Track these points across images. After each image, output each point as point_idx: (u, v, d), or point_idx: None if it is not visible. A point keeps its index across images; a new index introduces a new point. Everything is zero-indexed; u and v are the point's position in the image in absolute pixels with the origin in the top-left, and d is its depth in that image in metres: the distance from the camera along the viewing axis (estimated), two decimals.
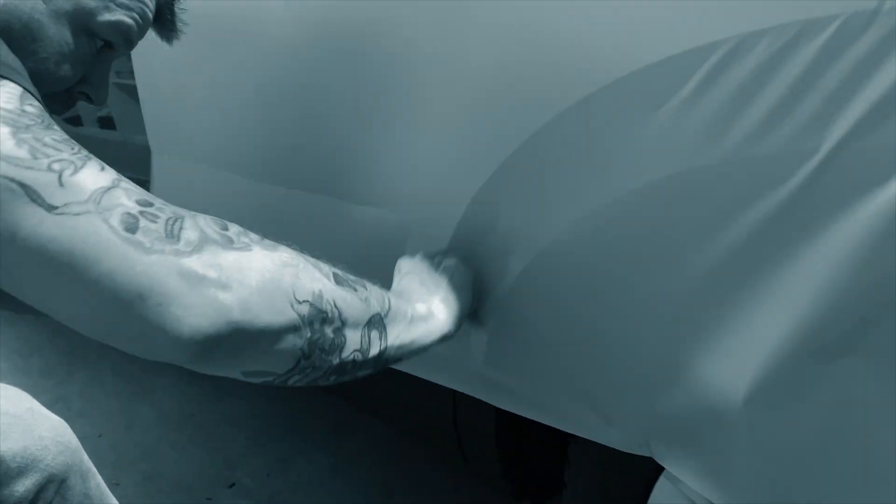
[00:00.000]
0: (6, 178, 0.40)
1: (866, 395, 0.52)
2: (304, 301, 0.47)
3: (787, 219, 0.53)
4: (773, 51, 0.52)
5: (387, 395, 1.01)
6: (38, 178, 0.41)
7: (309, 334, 0.47)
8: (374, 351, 0.53)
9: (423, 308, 0.62)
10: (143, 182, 1.45)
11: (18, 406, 0.67)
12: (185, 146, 1.09)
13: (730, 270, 0.57)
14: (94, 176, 0.44)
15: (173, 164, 1.16)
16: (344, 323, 0.50)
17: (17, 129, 0.43)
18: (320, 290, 0.48)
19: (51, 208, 0.41)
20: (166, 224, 0.43)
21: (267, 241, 0.48)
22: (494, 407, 0.78)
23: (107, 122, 1.46)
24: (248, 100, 0.95)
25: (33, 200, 0.41)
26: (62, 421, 0.69)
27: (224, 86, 0.98)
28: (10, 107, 0.44)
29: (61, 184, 0.42)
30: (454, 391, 0.82)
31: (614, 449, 0.68)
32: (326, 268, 0.51)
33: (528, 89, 0.65)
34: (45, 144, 0.43)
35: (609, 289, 0.64)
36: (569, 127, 0.63)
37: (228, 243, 0.45)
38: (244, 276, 0.44)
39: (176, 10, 0.72)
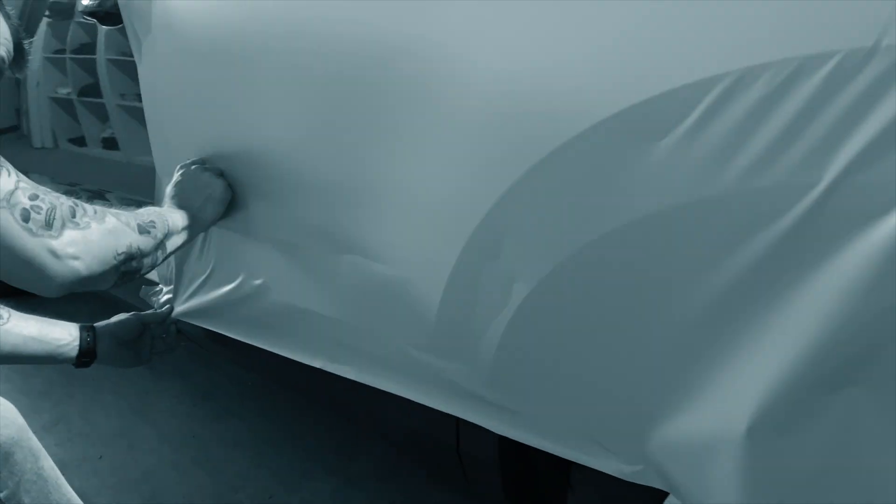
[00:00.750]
0: None
1: (869, 425, 0.52)
2: (121, 253, 0.79)
3: (789, 250, 0.54)
4: (774, 85, 0.52)
5: (390, 419, 1.01)
6: None
7: (123, 269, 0.80)
8: (159, 259, 0.88)
9: (181, 220, 0.94)
10: (143, 203, 1.46)
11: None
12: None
13: (732, 301, 0.57)
14: (5, 180, 0.69)
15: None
16: (143, 255, 0.83)
17: None
18: (129, 243, 0.80)
19: None
20: (46, 215, 0.71)
21: (98, 213, 0.78)
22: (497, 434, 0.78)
23: (110, 143, 1.47)
24: (250, 129, 0.96)
25: None
26: (6, 401, 0.74)
27: (228, 114, 1.00)
28: None
29: None
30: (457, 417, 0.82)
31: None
32: (133, 222, 0.83)
33: (528, 122, 0.66)
34: None
35: (611, 318, 0.64)
36: (570, 159, 0.63)
37: (76, 226, 0.74)
38: (88, 248, 0.74)
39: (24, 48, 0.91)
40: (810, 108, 0.51)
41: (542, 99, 0.65)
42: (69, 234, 0.72)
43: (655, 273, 0.61)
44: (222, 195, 0.98)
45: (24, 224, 0.68)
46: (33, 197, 0.70)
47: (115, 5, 1.12)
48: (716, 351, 0.59)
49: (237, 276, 1.06)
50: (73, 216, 0.74)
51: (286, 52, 0.88)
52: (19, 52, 0.88)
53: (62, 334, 1.01)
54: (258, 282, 1.03)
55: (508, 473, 0.85)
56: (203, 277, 1.13)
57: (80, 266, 0.72)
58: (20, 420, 0.68)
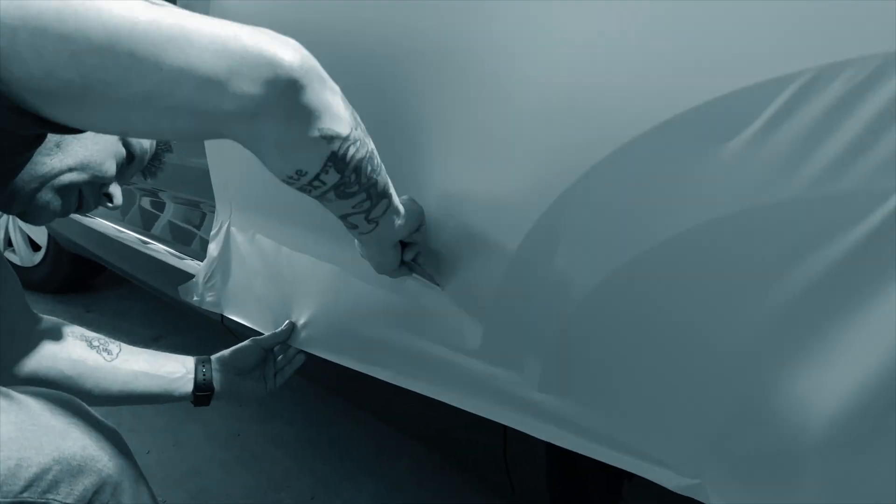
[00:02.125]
0: None
1: None
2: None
3: (864, 259, 0.51)
4: (853, 84, 0.50)
5: (433, 422, 1.00)
6: None
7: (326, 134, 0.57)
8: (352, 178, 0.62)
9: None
10: (197, 203, 1.49)
11: (76, 409, 0.72)
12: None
13: (805, 310, 0.54)
14: None
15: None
16: (350, 144, 0.59)
17: None
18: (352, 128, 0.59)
19: None
20: None
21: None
22: (545, 442, 0.76)
23: (164, 145, 1.52)
24: None
25: None
26: (115, 428, 0.71)
27: None
28: None
29: None
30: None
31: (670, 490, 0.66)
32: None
33: (589, 122, 0.65)
34: None
35: (672, 326, 0.62)
36: (632, 160, 0.62)
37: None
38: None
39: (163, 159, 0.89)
40: (891, 109, 0.49)
41: (604, 98, 0.64)
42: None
43: (721, 280, 0.58)
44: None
45: None
46: None
47: None
48: (786, 363, 0.56)
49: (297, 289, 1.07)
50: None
51: (336, 55, 0.88)
52: (156, 158, 0.87)
53: (175, 367, 0.94)
54: (316, 293, 1.04)
55: (557, 483, 0.83)
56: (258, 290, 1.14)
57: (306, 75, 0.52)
58: (127, 448, 0.66)
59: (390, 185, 0.68)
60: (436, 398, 0.86)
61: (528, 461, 0.83)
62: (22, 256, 2.44)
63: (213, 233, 1.26)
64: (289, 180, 0.59)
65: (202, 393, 0.95)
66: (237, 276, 1.19)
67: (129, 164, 0.81)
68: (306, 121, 0.54)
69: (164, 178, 1.57)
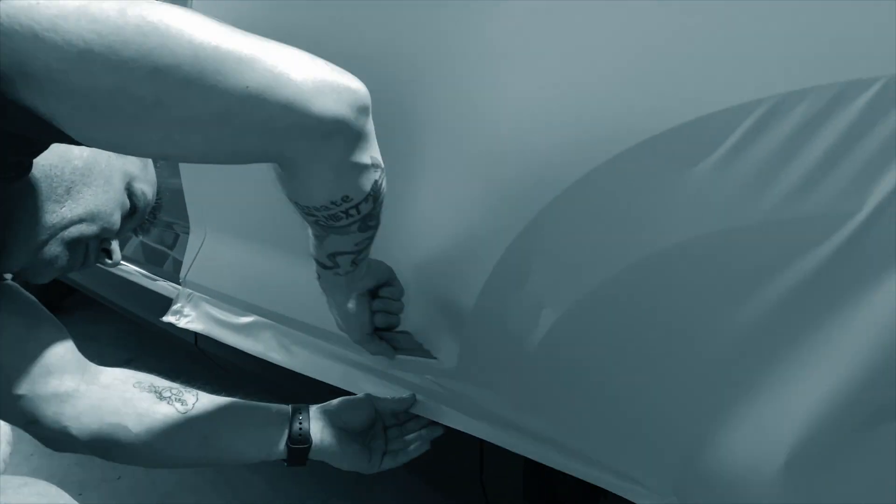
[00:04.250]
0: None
1: None
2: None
3: (828, 281, 0.52)
4: (814, 111, 0.52)
5: None
6: None
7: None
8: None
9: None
10: (173, 224, 1.48)
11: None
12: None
13: (770, 332, 0.56)
14: None
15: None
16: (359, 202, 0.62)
17: None
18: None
19: None
20: None
21: None
22: (522, 460, 0.76)
23: (159, 201, 1.51)
24: None
25: None
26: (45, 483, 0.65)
27: None
28: None
29: None
30: (481, 443, 0.80)
31: None
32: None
33: (559, 147, 0.66)
34: None
35: (643, 347, 0.63)
36: (601, 185, 0.63)
37: None
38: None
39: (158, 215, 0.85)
40: (850, 135, 0.51)
41: (574, 123, 0.65)
42: None
43: (689, 302, 0.60)
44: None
45: None
46: None
47: None
48: (753, 383, 0.57)
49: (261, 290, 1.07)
50: None
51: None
52: (152, 213, 0.84)
53: (266, 415, 0.81)
54: (282, 297, 1.04)
55: (534, 502, 0.84)
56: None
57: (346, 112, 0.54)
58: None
59: None
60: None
61: (505, 480, 0.83)
62: None
63: (187, 255, 1.25)
64: (328, 206, 0.60)
65: (297, 446, 0.79)
66: (213, 298, 1.18)
67: (131, 216, 0.78)
68: (366, 146, 0.58)
69: None
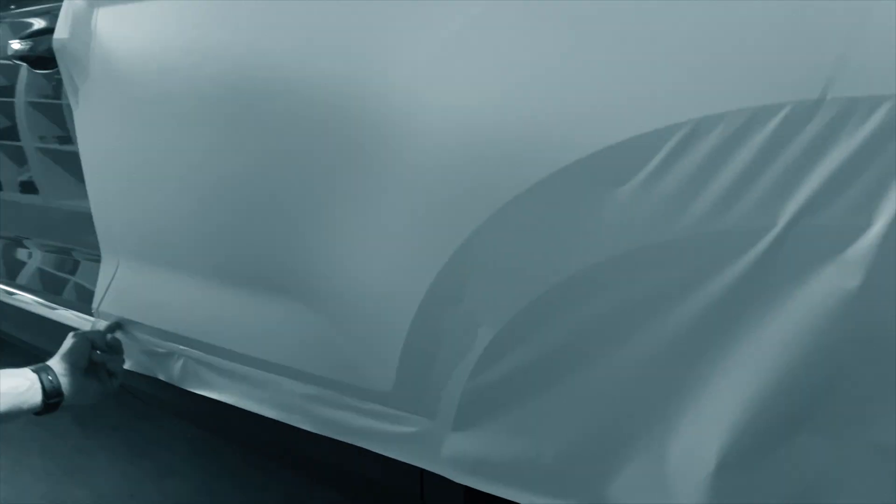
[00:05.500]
0: None
1: (826, 470, 0.55)
2: None
3: (748, 291, 0.56)
4: (729, 133, 0.55)
5: (350, 469, 0.99)
6: None
7: None
8: None
9: None
10: (69, 250, 1.40)
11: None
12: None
13: (695, 341, 0.59)
14: None
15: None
16: None
17: None
18: None
19: None
20: None
21: None
22: (463, 489, 0.77)
23: (28, 187, 1.42)
24: (191, 175, 0.94)
25: None
26: None
27: (167, 160, 0.97)
28: None
29: None
30: (421, 472, 0.80)
31: None
32: None
33: (490, 167, 0.67)
34: None
35: (574, 360, 0.65)
36: (532, 205, 0.64)
37: None
38: None
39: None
40: (763, 156, 0.54)
41: (505, 144, 0.66)
42: None
43: (618, 315, 0.62)
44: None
45: None
46: None
47: (49, 50, 1.08)
48: (680, 390, 0.60)
49: (181, 319, 1.03)
50: None
51: (229, 97, 0.87)
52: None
53: (17, 381, 0.92)
54: (203, 325, 1.00)
55: None
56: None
57: None
58: None
59: None
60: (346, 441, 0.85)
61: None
62: None
63: (99, 284, 1.18)
64: None
65: (52, 400, 0.94)
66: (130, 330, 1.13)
67: None
68: None
69: (28, 224, 1.48)
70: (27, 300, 1.49)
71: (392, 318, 0.77)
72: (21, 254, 1.57)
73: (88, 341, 1.02)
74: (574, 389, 0.66)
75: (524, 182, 0.65)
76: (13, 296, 1.54)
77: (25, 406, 0.92)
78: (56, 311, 1.39)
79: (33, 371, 0.94)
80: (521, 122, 0.65)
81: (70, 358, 0.99)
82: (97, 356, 1.03)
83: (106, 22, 1.01)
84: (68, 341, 1.01)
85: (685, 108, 0.56)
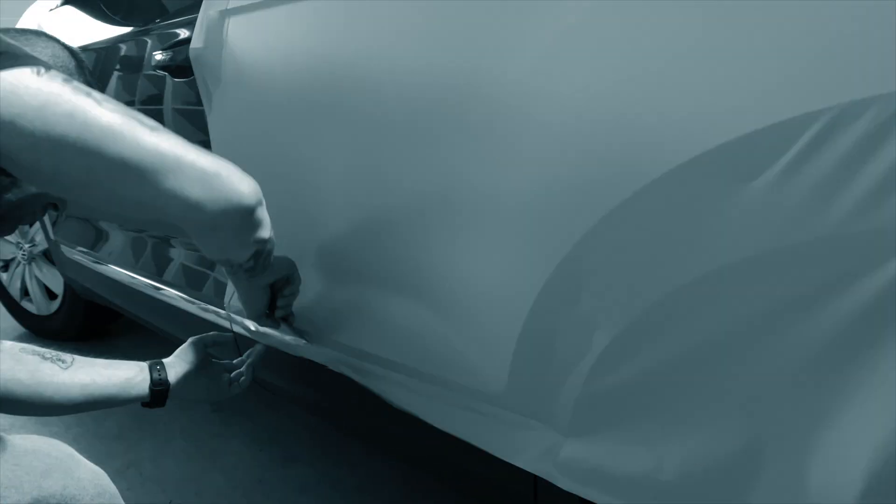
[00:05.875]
0: None
1: None
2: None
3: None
4: (880, 120, 0.48)
5: (460, 465, 0.98)
6: None
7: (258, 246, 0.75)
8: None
9: None
10: None
11: (59, 450, 0.80)
12: None
13: (834, 352, 0.53)
14: None
15: None
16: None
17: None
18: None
19: None
20: None
21: None
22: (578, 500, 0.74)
23: None
24: (321, 180, 0.97)
25: None
26: (100, 470, 0.73)
27: (298, 165, 1.01)
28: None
29: None
30: (535, 479, 0.78)
31: None
32: None
33: (612, 160, 0.64)
34: None
35: (703, 368, 0.61)
36: (657, 200, 0.61)
37: None
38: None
39: None
40: None
41: (628, 136, 0.63)
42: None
43: (750, 322, 0.57)
44: None
45: None
46: None
47: (187, 59, 1.15)
48: (821, 403, 0.54)
49: (304, 315, 1.06)
50: None
51: (358, 104, 0.88)
52: None
53: (130, 370, 0.99)
54: (326, 322, 1.03)
55: None
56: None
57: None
58: (112, 488, 0.67)
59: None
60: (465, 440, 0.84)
61: None
62: (38, 305, 2.45)
63: (230, 283, 1.25)
64: (213, 257, 0.74)
65: (157, 388, 1.00)
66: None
67: None
68: (249, 233, 0.70)
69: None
70: (171, 295, 1.60)
71: (504, 318, 0.75)
72: (167, 251, 1.69)
73: (203, 343, 1.09)
74: (700, 400, 0.62)
75: (646, 177, 0.61)
76: (160, 291, 1.66)
77: (133, 392, 0.98)
78: (194, 305, 1.49)
79: (148, 364, 1.02)
80: (643, 113, 0.61)
81: (181, 355, 1.06)
82: (215, 359, 1.10)
83: (237, 30, 1.06)
84: (186, 343, 1.09)
85: (828, 93, 0.51)
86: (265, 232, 0.73)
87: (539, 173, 0.70)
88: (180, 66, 1.19)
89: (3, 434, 0.66)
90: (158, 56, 1.25)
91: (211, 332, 1.12)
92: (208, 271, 1.50)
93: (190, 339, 1.09)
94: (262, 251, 0.75)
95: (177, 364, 1.04)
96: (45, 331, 2.50)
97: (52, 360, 0.93)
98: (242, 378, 1.12)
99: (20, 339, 2.54)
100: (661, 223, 0.62)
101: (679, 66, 0.59)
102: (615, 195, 0.64)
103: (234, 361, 1.14)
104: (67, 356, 0.96)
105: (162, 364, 1.03)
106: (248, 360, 1.13)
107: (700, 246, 0.59)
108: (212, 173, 0.63)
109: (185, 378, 1.03)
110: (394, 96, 0.84)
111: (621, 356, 0.67)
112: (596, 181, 0.65)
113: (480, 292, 0.78)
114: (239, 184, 0.66)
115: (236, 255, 0.73)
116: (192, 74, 1.16)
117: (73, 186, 0.58)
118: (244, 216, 0.67)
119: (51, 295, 2.43)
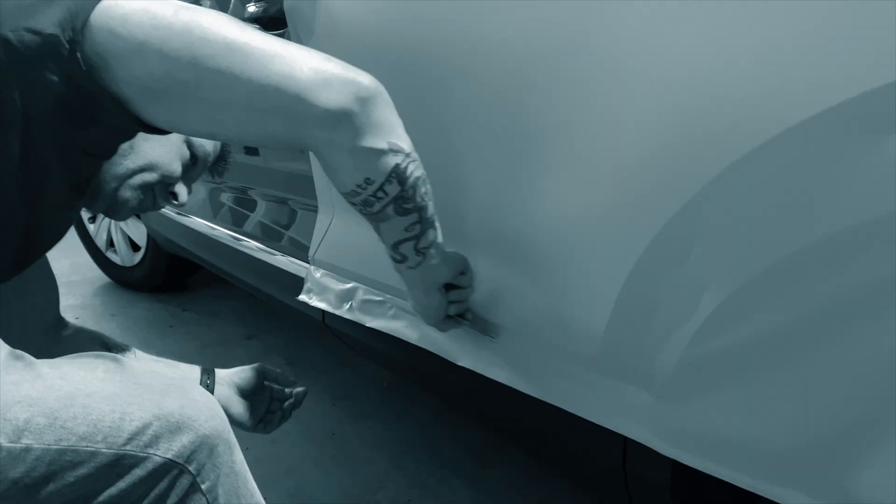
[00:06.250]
0: None
1: None
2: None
3: None
4: None
5: (533, 427, 0.97)
6: None
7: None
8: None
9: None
10: (285, 199, 1.51)
11: (175, 372, 0.85)
12: None
13: None
14: None
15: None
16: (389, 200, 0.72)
17: None
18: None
19: None
20: None
21: None
22: (670, 462, 0.72)
23: (251, 150, 1.57)
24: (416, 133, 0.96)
25: None
26: (209, 394, 0.73)
27: None
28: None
29: None
30: (625, 441, 0.76)
31: None
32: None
33: (727, 116, 0.60)
34: None
35: (820, 336, 0.57)
36: (776, 157, 0.57)
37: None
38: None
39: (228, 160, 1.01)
40: None
41: (744, 90, 0.59)
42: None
43: (871, 288, 0.54)
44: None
45: None
46: None
47: (280, 10, 1.16)
48: None
49: (391, 271, 1.06)
50: None
51: (453, 56, 0.86)
52: (221, 159, 0.98)
53: (185, 371, 1.00)
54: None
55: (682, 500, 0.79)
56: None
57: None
58: (222, 412, 0.69)
59: (437, 218, 0.77)
60: (551, 403, 0.83)
61: (651, 477, 0.78)
62: (122, 256, 2.55)
63: (315, 235, 1.26)
64: (357, 190, 0.69)
65: None
66: (341, 277, 1.19)
67: (194, 165, 0.92)
68: (378, 132, 0.66)
69: (255, 177, 1.61)
70: (252, 246, 1.64)
71: (603, 277, 0.73)
72: (247, 204, 1.73)
73: (263, 371, 1.09)
74: (807, 370, 0.58)
75: (763, 134, 0.58)
76: (240, 241, 1.70)
77: None
78: (275, 256, 1.51)
79: (200, 370, 1.03)
80: (759, 67, 0.58)
81: (238, 373, 1.06)
82: (268, 396, 1.09)
83: None
84: (250, 365, 1.09)
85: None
86: (402, 140, 0.69)
87: (654, 127, 0.67)
88: (273, 18, 1.19)
89: (122, 357, 0.68)
90: (251, 8, 1.26)
91: (277, 370, 1.12)
92: (284, 228, 1.52)
93: (255, 364, 1.09)
94: (405, 168, 0.69)
95: (227, 379, 1.04)
96: (127, 281, 2.60)
97: (114, 349, 0.96)
98: (276, 416, 1.11)
99: (103, 288, 2.66)
100: (777, 184, 0.58)
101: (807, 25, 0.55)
102: (731, 153, 0.60)
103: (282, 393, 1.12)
104: (130, 351, 0.98)
105: (213, 375, 1.03)
106: (290, 401, 1.12)
107: (818, 209, 0.56)
108: (321, 58, 0.64)
109: (228, 397, 1.02)
110: (502, 56, 0.81)
111: (729, 320, 0.64)
112: (712, 136, 0.62)
113: (579, 248, 0.76)
114: (355, 72, 0.65)
115: (373, 170, 0.68)
116: (286, 27, 1.16)
117: (213, 91, 0.60)
118: (366, 107, 0.64)
119: (134, 247, 2.52)
